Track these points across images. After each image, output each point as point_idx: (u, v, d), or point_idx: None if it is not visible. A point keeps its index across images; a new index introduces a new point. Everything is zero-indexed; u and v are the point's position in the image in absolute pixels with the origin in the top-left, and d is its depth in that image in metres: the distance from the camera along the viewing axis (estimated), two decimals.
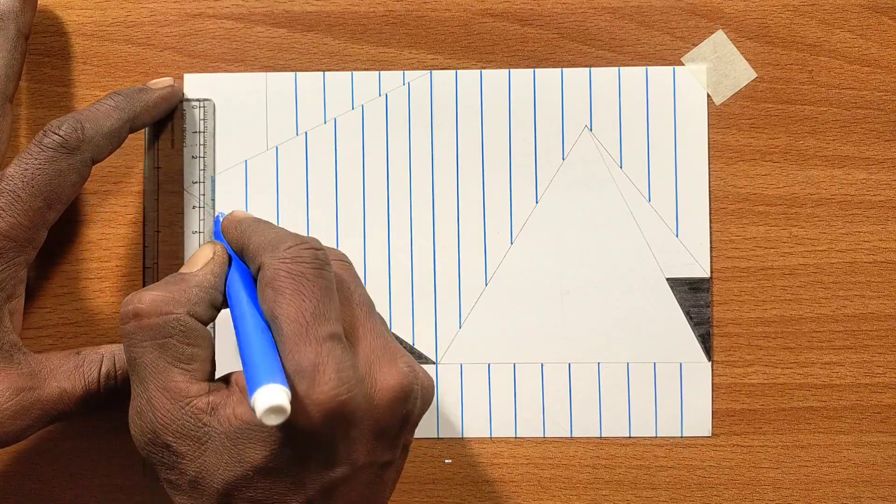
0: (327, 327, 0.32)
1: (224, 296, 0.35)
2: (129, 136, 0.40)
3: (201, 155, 0.42)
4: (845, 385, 0.43)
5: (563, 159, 0.43)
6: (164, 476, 0.34)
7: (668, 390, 0.42)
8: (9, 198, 0.36)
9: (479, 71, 0.43)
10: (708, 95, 0.43)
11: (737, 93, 0.43)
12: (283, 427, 0.31)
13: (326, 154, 0.43)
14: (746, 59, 0.43)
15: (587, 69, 0.43)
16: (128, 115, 0.39)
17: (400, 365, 0.33)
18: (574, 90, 0.43)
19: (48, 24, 0.43)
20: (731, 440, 0.43)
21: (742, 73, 0.43)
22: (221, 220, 0.38)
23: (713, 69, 0.43)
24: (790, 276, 0.43)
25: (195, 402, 0.33)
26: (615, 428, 0.43)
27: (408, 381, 0.33)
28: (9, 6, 0.39)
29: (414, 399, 0.34)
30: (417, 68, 0.43)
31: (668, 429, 0.42)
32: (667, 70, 0.43)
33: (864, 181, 0.43)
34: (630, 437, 0.43)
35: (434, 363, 0.43)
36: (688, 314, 0.42)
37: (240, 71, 0.43)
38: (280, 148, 0.43)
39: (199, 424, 0.32)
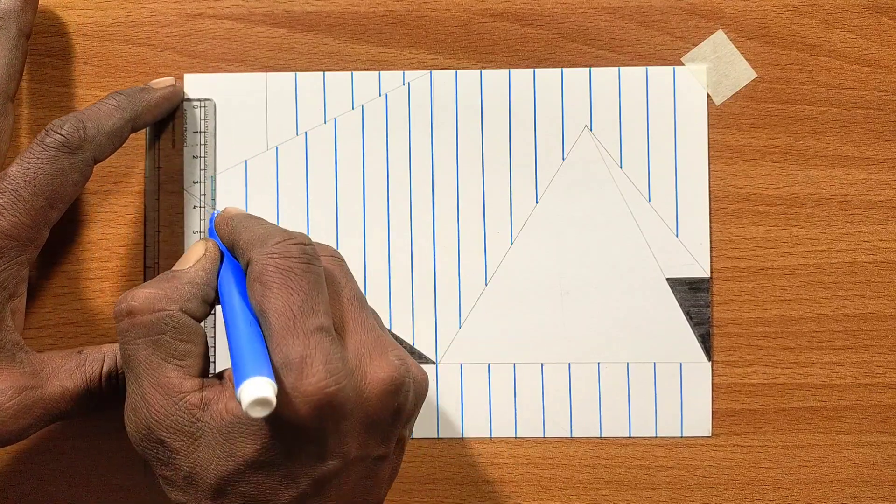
0: (315, 320, 0.32)
1: (216, 292, 0.35)
2: (130, 136, 0.40)
3: (202, 155, 0.42)
4: (845, 385, 0.42)
5: (563, 159, 0.42)
6: (159, 472, 0.34)
7: (668, 390, 0.42)
8: (11, 197, 0.35)
9: (479, 71, 0.42)
10: (708, 95, 0.42)
11: (737, 93, 0.42)
12: (272, 421, 0.31)
13: (326, 154, 0.43)
14: (746, 59, 0.42)
15: (587, 69, 0.42)
16: (129, 114, 0.38)
17: (391, 358, 0.33)
18: (574, 90, 0.42)
19: (49, 24, 0.42)
20: (731, 440, 0.42)
21: (742, 73, 0.42)
22: (216, 216, 0.38)
23: (713, 69, 0.42)
24: (790, 276, 0.42)
25: (188, 397, 0.32)
26: (615, 428, 0.42)
27: (399, 373, 0.33)
28: (10, 6, 0.38)
29: (406, 392, 0.33)
30: (417, 68, 0.42)
31: (668, 429, 0.42)
32: (667, 70, 0.42)
33: (864, 181, 0.42)
34: (630, 437, 0.42)
35: (434, 363, 0.42)
36: (688, 314, 0.42)
37: (240, 71, 0.42)
38: (280, 148, 0.42)
39: (193, 420, 0.32)
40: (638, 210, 0.42)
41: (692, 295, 0.42)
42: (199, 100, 0.42)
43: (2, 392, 0.35)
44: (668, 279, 0.42)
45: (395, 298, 0.42)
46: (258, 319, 0.33)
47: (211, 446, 0.32)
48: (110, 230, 0.42)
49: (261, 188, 0.42)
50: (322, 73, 0.43)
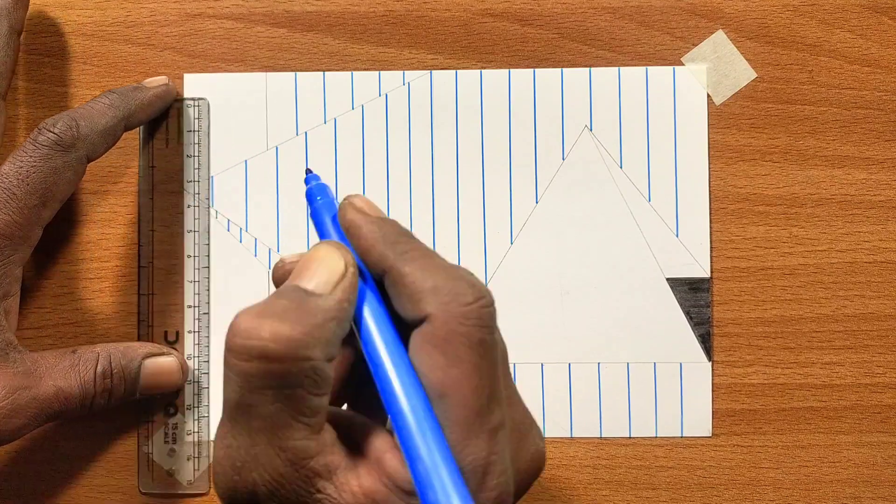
0: (498, 414, 0.26)
1: (351, 325, 0.28)
2: (130, 135, 0.39)
3: (196, 154, 0.41)
4: (845, 385, 0.41)
5: (563, 159, 0.42)
6: None
7: (668, 390, 0.41)
8: (4, 195, 0.35)
9: (479, 71, 0.42)
10: (708, 95, 0.42)
11: (737, 93, 0.42)
12: None
13: (326, 154, 0.42)
14: (746, 59, 0.41)
15: (587, 69, 0.42)
16: (122, 113, 0.38)
17: (538, 442, 0.28)
18: (574, 90, 0.42)
19: (48, 24, 0.42)
20: (731, 440, 0.41)
21: (742, 73, 0.41)
22: (336, 204, 0.30)
23: (713, 69, 0.41)
24: (790, 276, 0.41)
25: (311, 463, 0.26)
26: (615, 428, 0.41)
27: (541, 462, 0.28)
28: (1, 3, 0.38)
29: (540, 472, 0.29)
30: (417, 68, 0.42)
31: (668, 429, 0.41)
32: (667, 70, 0.41)
33: (864, 181, 0.41)
34: (630, 437, 0.41)
35: None
36: (688, 314, 0.41)
37: (240, 71, 0.42)
38: (280, 148, 0.42)
39: (311, 489, 0.26)
40: (638, 210, 0.41)
41: (692, 295, 0.41)
42: (192, 99, 0.41)
43: None
44: (668, 279, 0.41)
45: None
46: (428, 394, 0.26)
47: None
48: (110, 230, 0.41)
49: (261, 188, 0.42)
50: (322, 73, 0.42)
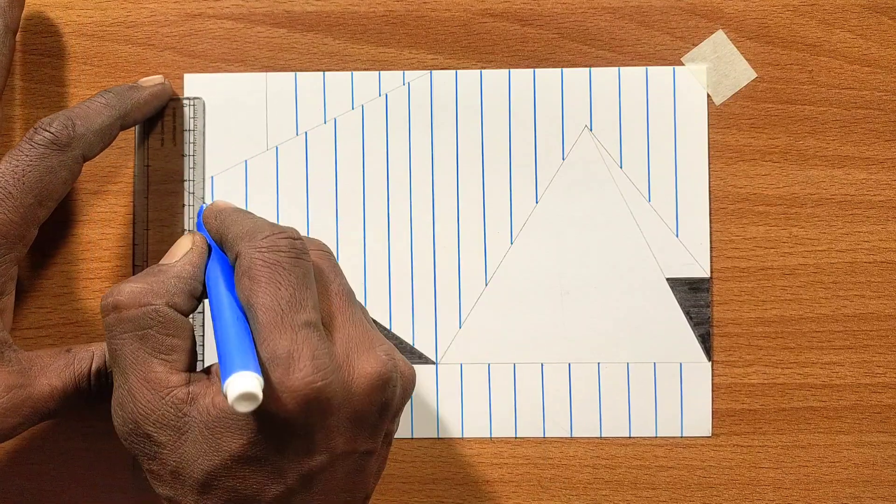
0: (303, 315, 0.31)
1: (204, 286, 0.34)
2: (130, 135, 0.39)
3: (191, 153, 0.40)
4: (845, 385, 0.41)
5: (563, 159, 0.41)
6: (146, 466, 0.33)
7: (668, 390, 0.41)
8: (0, 194, 0.34)
9: (479, 71, 0.41)
10: (708, 95, 0.41)
11: (737, 93, 0.41)
12: (259, 415, 0.30)
13: (326, 154, 0.41)
14: (746, 59, 0.41)
15: (587, 69, 0.41)
16: (118, 112, 0.37)
17: (378, 353, 0.32)
18: (574, 90, 0.41)
19: (48, 24, 0.41)
20: (731, 440, 0.41)
21: (742, 73, 0.41)
22: (204, 210, 0.37)
23: (713, 69, 0.41)
24: (790, 276, 0.41)
25: (175, 392, 0.32)
26: (615, 428, 0.41)
27: (386, 368, 0.32)
28: None
29: (393, 387, 0.32)
30: (417, 68, 0.41)
31: (668, 429, 0.41)
32: (667, 70, 0.41)
33: (864, 181, 0.41)
34: (630, 437, 0.41)
35: (434, 363, 0.41)
36: (688, 314, 0.41)
37: (240, 71, 0.41)
38: (280, 148, 0.41)
39: (179, 414, 0.31)
40: (638, 210, 0.41)
41: (692, 295, 0.41)
42: (188, 98, 0.41)
43: None
44: (668, 279, 0.41)
45: (395, 298, 0.41)
46: (246, 314, 0.32)
47: (197, 441, 0.31)
48: (110, 230, 0.41)
49: (261, 188, 0.41)
50: (322, 73, 0.41)
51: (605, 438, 0.41)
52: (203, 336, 0.40)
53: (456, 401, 0.41)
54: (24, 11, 0.40)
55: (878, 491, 0.41)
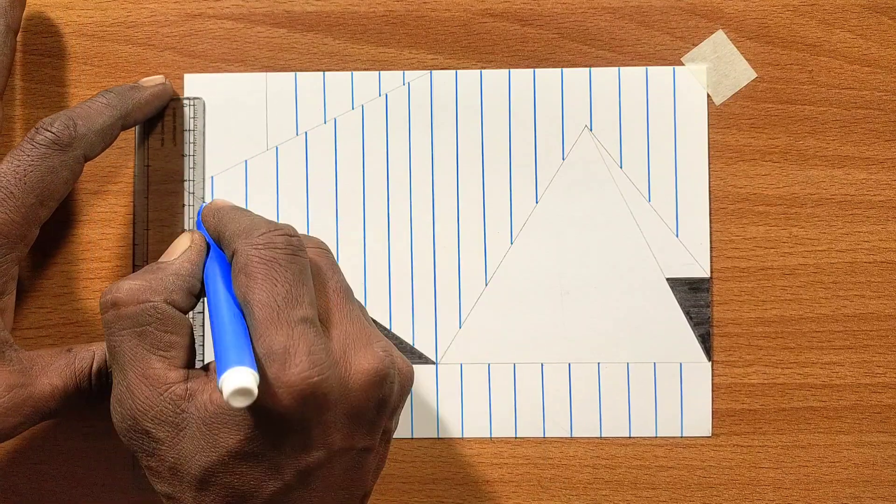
0: (299, 311, 0.31)
1: (202, 283, 0.34)
2: (131, 135, 0.38)
3: (191, 153, 0.40)
4: (845, 385, 0.41)
5: (563, 159, 0.41)
6: (144, 463, 0.33)
7: (668, 390, 0.40)
8: (1, 194, 0.34)
9: (479, 71, 0.41)
10: (708, 95, 0.41)
11: (737, 93, 0.41)
12: (256, 411, 0.30)
13: (326, 154, 0.41)
14: (746, 59, 0.40)
15: (587, 69, 0.40)
16: (119, 112, 0.37)
17: (376, 349, 0.32)
18: (574, 90, 0.40)
19: (48, 24, 0.41)
20: (731, 440, 0.41)
21: (742, 73, 0.40)
22: (203, 208, 0.36)
23: (713, 69, 0.40)
24: (790, 276, 0.40)
25: (173, 388, 0.31)
26: (615, 428, 0.41)
27: (383, 365, 0.32)
28: None
29: (390, 384, 0.32)
30: (417, 68, 0.41)
31: (668, 429, 0.40)
32: (667, 70, 0.40)
33: (864, 181, 0.40)
34: (630, 437, 0.41)
35: (434, 363, 0.40)
36: (688, 314, 0.40)
37: (240, 71, 0.41)
38: (280, 148, 0.41)
39: (177, 411, 0.31)
40: (638, 210, 0.40)
41: (692, 295, 0.40)
42: (188, 98, 0.40)
43: None
44: (668, 279, 0.40)
45: (395, 298, 0.41)
46: (243, 311, 0.32)
47: (195, 437, 0.31)
48: (110, 230, 0.41)
49: (261, 188, 0.41)
50: (322, 73, 0.41)
51: (605, 438, 0.41)
52: (203, 336, 0.40)
53: (456, 401, 0.41)
54: (25, 12, 0.40)
55: (878, 491, 0.41)
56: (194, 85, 0.41)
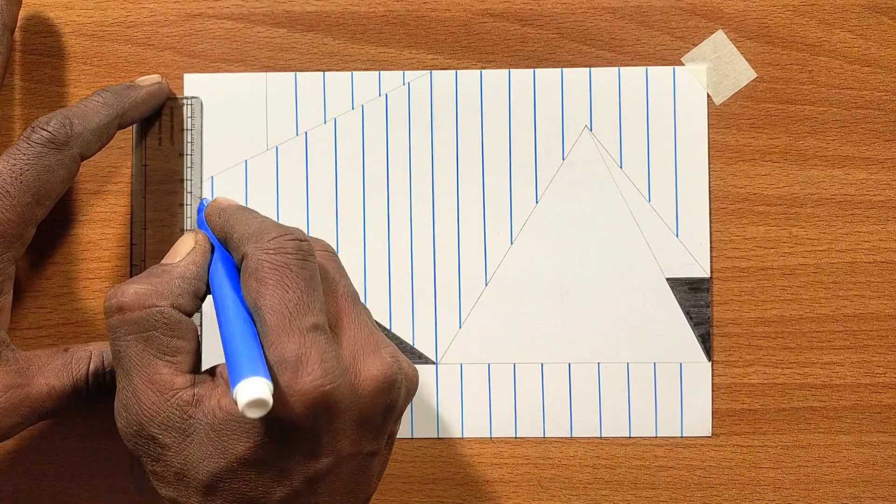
0: (311, 318, 0.30)
1: (207, 286, 0.33)
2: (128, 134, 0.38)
3: (188, 152, 0.39)
4: (845, 385, 0.40)
5: (563, 159, 0.40)
6: (149, 468, 0.32)
7: (668, 390, 0.40)
8: None
9: (479, 71, 0.40)
10: (708, 95, 0.40)
11: (737, 93, 0.40)
12: (266, 418, 0.30)
13: (326, 154, 0.40)
14: (746, 59, 0.40)
15: (587, 69, 0.40)
16: (116, 111, 0.36)
17: (384, 355, 0.32)
18: (574, 90, 0.40)
19: (48, 24, 0.40)
20: (731, 440, 0.40)
21: (742, 73, 0.40)
22: (205, 207, 0.36)
23: (713, 69, 0.40)
24: (790, 276, 0.40)
25: (180, 394, 0.31)
26: (615, 428, 0.40)
27: (391, 371, 0.31)
28: None
29: (398, 389, 0.32)
30: (417, 68, 0.40)
31: (668, 429, 0.40)
32: (667, 70, 0.40)
33: (864, 181, 0.40)
34: (630, 437, 0.40)
35: (434, 363, 0.40)
36: (688, 314, 0.40)
37: (240, 71, 0.40)
38: (280, 148, 0.40)
39: (184, 416, 0.31)
40: (638, 210, 0.40)
41: (692, 295, 0.40)
42: (185, 97, 0.40)
43: None
44: (668, 279, 0.40)
45: (395, 298, 0.40)
46: (252, 316, 0.31)
47: (202, 443, 0.30)
48: (110, 230, 0.40)
49: (261, 188, 0.40)
50: (322, 73, 0.40)
51: (605, 438, 0.40)
52: (201, 336, 0.39)
53: (456, 401, 0.40)
54: (24, 12, 0.39)
55: (878, 491, 0.40)
56: (194, 85, 0.40)
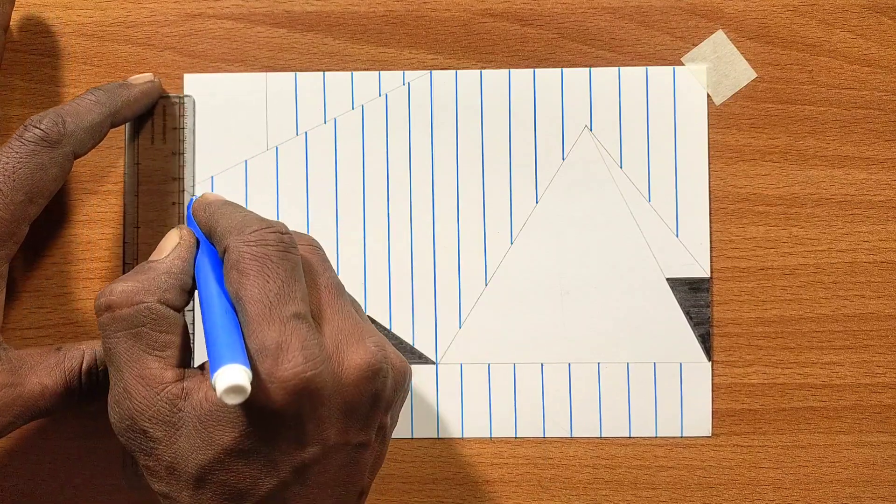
0: (292, 307, 0.30)
1: (194, 280, 0.33)
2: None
3: (181, 151, 0.38)
4: (845, 385, 0.39)
5: (563, 159, 0.39)
6: (142, 462, 0.31)
7: (668, 390, 0.39)
8: None
9: (479, 71, 0.39)
10: (708, 95, 0.39)
11: (737, 93, 0.39)
12: (250, 408, 0.29)
13: (326, 154, 0.39)
14: (746, 59, 0.39)
15: (587, 69, 0.39)
16: (109, 109, 0.36)
17: (368, 344, 0.31)
18: (574, 90, 0.39)
19: (48, 24, 0.39)
20: (731, 440, 0.39)
21: (742, 73, 0.39)
22: (193, 203, 0.35)
23: (713, 69, 0.39)
24: (790, 276, 0.39)
25: (169, 387, 0.30)
26: (615, 428, 0.39)
27: (376, 359, 0.31)
28: None
29: (383, 378, 0.31)
30: (417, 68, 0.39)
31: (668, 429, 0.39)
32: (667, 70, 0.39)
33: (864, 181, 0.39)
34: (630, 437, 0.39)
35: (434, 363, 0.39)
36: (688, 314, 0.39)
37: (240, 71, 0.39)
38: (280, 148, 0.39)
39: (174, 410, 0.30)
40: (638, 210, 0.39)
41: (692, 295, 0.39)
42: (178, 96, 0.39)
43: None
44: (668, 279, 0.39)
45: (395, 298, 0.39)
46: (235, 307, 0.31)
47: (191, 436, 0.30)
48: (109, 230, 0.39)
49: (261, 188, 0.39)
50: (322, 73, 0.39)
51: (605, 438, 0.39)
52: (194, 334, 0.38)
53: (456, 401, 0.39)
54: (24, 12, 0.39)
55: (878, 491, 0.39)
56: (194, 85, 0.39)
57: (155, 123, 0.38)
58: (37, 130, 0.34)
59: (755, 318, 0.39)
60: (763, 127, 0.39)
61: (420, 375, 0.39)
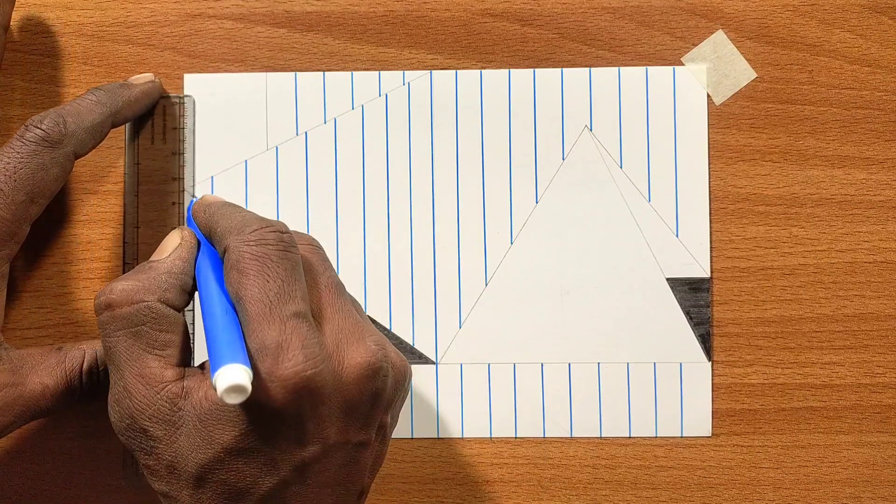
0: (292, 306, 0.30)
1: (194, 280, 0.33)
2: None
3: (181, 151, 0.38)
4: (845, 385, 0.39)
5: (563, 159, 0.39)
6: (142, 462, 0.31)
7: (668, 390, 0.39)
8: None
9: (479, 71, 0.39)
10: (708, 95, 0.39)
11: (737, 93, 0.39)
12: (250, 407, 0.29)
13: (326, 154, 0.39)
14: (746, 59, 0.38)
15: (587, 69, 0.38)
16: (109, 109, 0.35)
17: (368, 343, 0.31)
18: (574, 90, 0.38)
19: (48, 24, 0.39)
20: (731, 440, 0.39)
21: (742, 73, 0.38)
22: (193, 204, 0.35)
23: (713, 69, 0.38)
24: (790, 276, 0.38)
25: (169, 386, 0.30)
26: (615, 428, 0.39)
27: (376, 358, 0.31)
28: None
29: (383, 377, 0.31)
30: (417, 68, 0.39)
31: (668, 429, 0.39)
32: (667, 70, 0.38)
33: (864, 181, 0.38)
34: (630, 437, 0.39)
35: (434, 363, 0.39)
36: (688, 314, 0.38)
37: (240, 71, 0.39)
38: (280, 148, 0.39)
39: (174, 409, 0.30)
40: (638, 210, 0.38)
41: (692, 295, 0.38)
42: (177, 96, 0.39)
43: None
44: (668, 279, 0.38)
45: (395, 298, 0.39)
46: (235, 307, 0.30)
47: (191, 435, 0.30)
48: (110, 230, 0.39)
49: (261, 188, 0.39)
50: (322, 73, 0.39)
51: (605, 438, 0.39)
52: (194, 334, 0.38)
53: (456, 401, 0.39)
54: (25, 12, 0.38)
55: (878, 491, 0.39)
56: (194, 85, 0.39)
57: (155, 123, 0.38)
58: (38, 130, 0.33)
59: (755, 318, 0.39)
60: (763, 127, 0.39)
61: (420, 375, 0.38)
